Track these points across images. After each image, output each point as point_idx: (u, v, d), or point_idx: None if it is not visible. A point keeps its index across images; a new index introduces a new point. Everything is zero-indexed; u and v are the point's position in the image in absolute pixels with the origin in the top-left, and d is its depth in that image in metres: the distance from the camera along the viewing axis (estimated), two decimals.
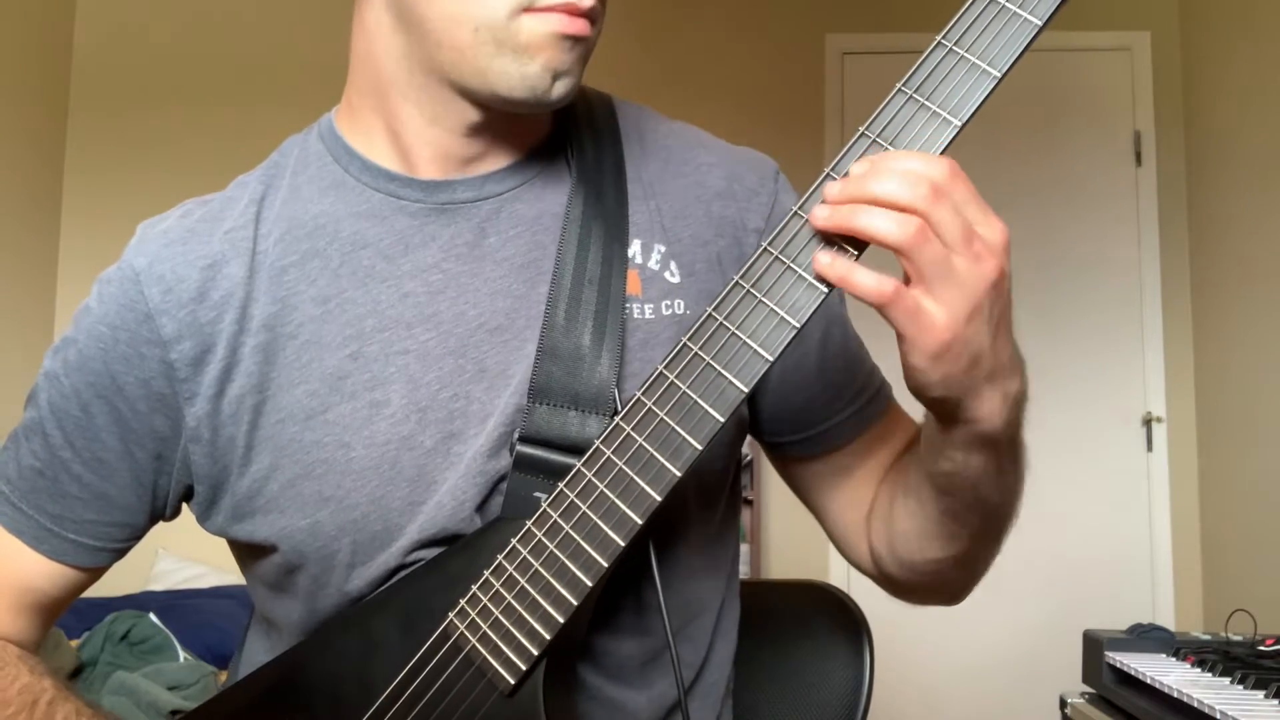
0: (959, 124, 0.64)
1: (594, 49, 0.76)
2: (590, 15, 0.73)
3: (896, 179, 0.61)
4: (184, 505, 0.84)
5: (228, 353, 0.78)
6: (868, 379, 0.88)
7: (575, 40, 0.73)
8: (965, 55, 0.64)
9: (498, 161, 0.81)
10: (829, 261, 0.63)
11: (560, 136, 0.84)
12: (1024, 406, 0.71)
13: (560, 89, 0.74)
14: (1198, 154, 3.52)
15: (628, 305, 0.78)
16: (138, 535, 0.84)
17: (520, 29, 0.72)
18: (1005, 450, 0.71)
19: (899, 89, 0.65)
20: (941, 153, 0.63)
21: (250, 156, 1.03)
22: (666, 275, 0.81)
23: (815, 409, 0.85)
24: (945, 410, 0.68)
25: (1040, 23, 0.63)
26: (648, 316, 0.79)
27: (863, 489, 0.87)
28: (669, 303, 0.80)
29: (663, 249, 0.81)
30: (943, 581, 0.84)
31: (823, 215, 0.63)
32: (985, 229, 0.62)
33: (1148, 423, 3.50)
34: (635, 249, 0.80)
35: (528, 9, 0.72)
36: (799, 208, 0.66)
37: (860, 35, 3.67)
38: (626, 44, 3.56)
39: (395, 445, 0.76)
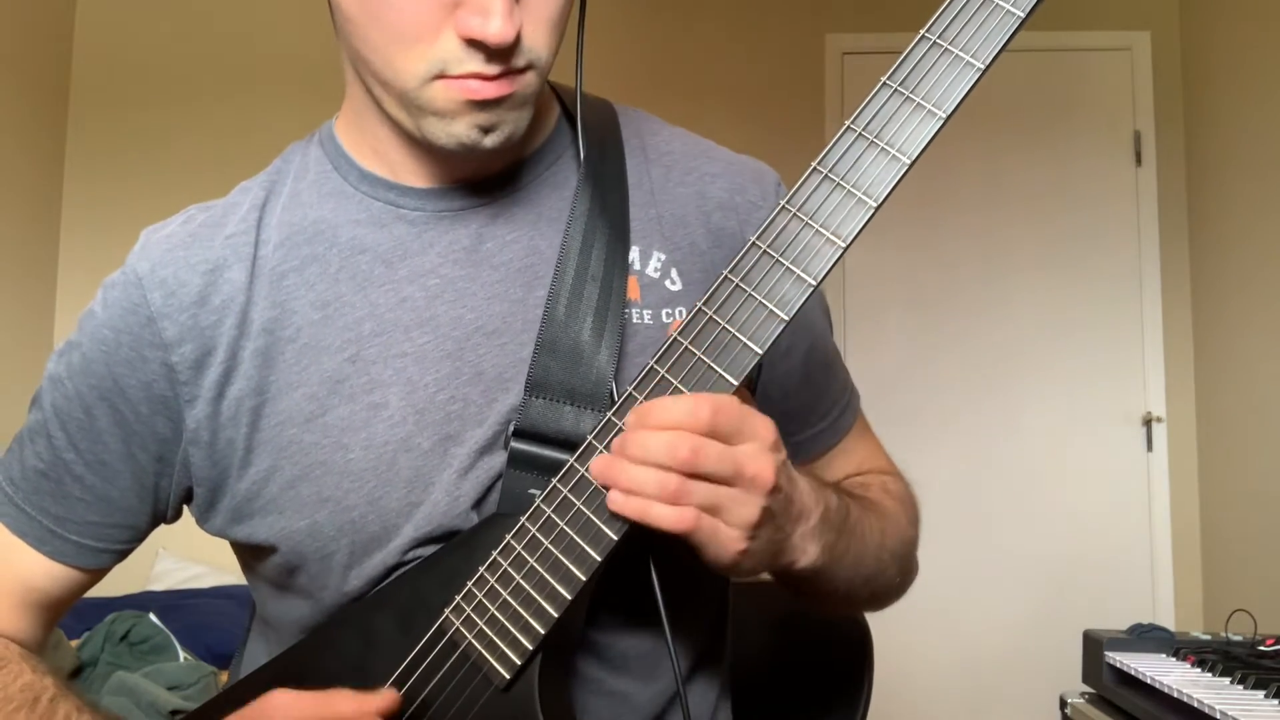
0: (943, 116, 0.64)
1: (538, 87, 0.73)
2: (511, 71, 0.70)
3: (657, 449, 0.64)
4: (185, 507, 0.85)
5: (227, 356, 0.78)
6: (841, 390, 0.92)
7: (496, 100, 0.71)
8: (949, 48, 0.65)
9: (494, 167, 0.81)
10: (622, 500, 0.66)
11: (560, 138, 0.84)
12: (839, 519, 0.75)
13: (494, 139, 0.73)
14: (1198, 154, 3.52)
15: (626, 309, 0.78)
16: (139, 537, 0.85)
17: (434, 97, 0.71)
18: (833, 561, 0.75)
19: (883, 83, 0.66)
20: (928, 143, 0.64)
21: (250, 158, 1.03)
22: (667, 283, 0.81)
23: (798, 418, 0.87)
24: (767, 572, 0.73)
25: (1023, 15, 0.64)
26: (646, 322, 0.80)
27: None
28: (669, 310, 0.80)
29: (663, 256, 0.81)
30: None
31: (618, 501, 0.66)
32: (749, 445, 0.65)
33: (1148, 423, 3.50)
34: (634, 255, 0.81)
35: (439, 76, 0.70)
36: (787, 202, 0.67)
37: (860, 35, 3.67)
38: (626, 44, 3.57)
39: (393, 447, 0.77)
